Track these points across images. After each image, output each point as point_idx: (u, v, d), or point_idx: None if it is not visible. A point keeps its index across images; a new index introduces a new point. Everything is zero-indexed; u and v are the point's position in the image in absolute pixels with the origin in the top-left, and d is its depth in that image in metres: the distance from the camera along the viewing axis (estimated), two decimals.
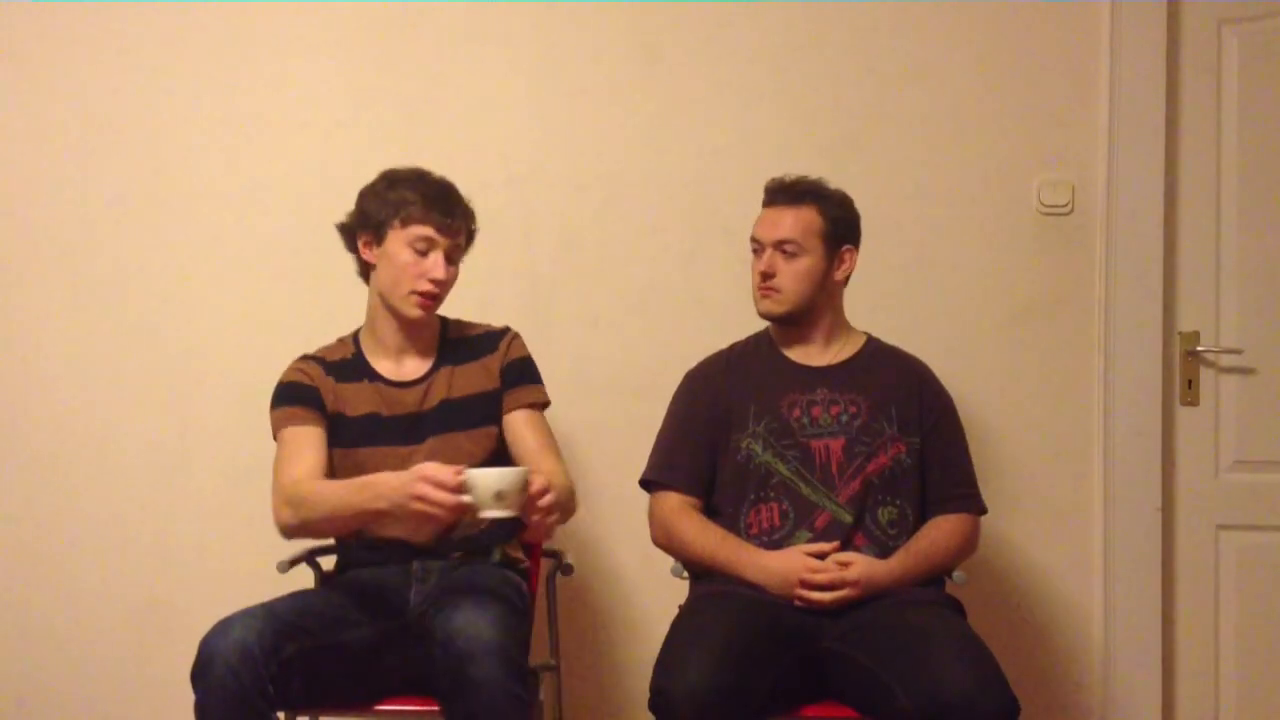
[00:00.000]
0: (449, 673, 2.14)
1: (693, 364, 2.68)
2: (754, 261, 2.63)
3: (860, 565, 2.41)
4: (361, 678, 2.24)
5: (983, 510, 2.56)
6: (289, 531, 2.38)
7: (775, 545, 2.47)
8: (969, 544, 2.54)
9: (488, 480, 2.17)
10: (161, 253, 3.02)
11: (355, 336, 2.59)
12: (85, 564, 3.00)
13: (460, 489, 2.16)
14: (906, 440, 2.53)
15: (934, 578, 2.50)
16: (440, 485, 2.16)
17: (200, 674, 2.15)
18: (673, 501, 2.57)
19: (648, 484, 2.62)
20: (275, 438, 2.48)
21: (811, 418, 2.54)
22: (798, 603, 2.39)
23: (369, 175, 2.53)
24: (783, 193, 2.62)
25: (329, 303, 2.90)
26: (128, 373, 3.01)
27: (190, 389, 3.02)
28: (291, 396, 2.49)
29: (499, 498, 2.16)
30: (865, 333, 2.67)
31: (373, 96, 3.05)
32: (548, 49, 3.08)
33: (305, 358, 2.56)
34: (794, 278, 2.57)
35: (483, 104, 3.06)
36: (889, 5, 3.10)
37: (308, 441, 2.44)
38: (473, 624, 2.15)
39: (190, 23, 3.02)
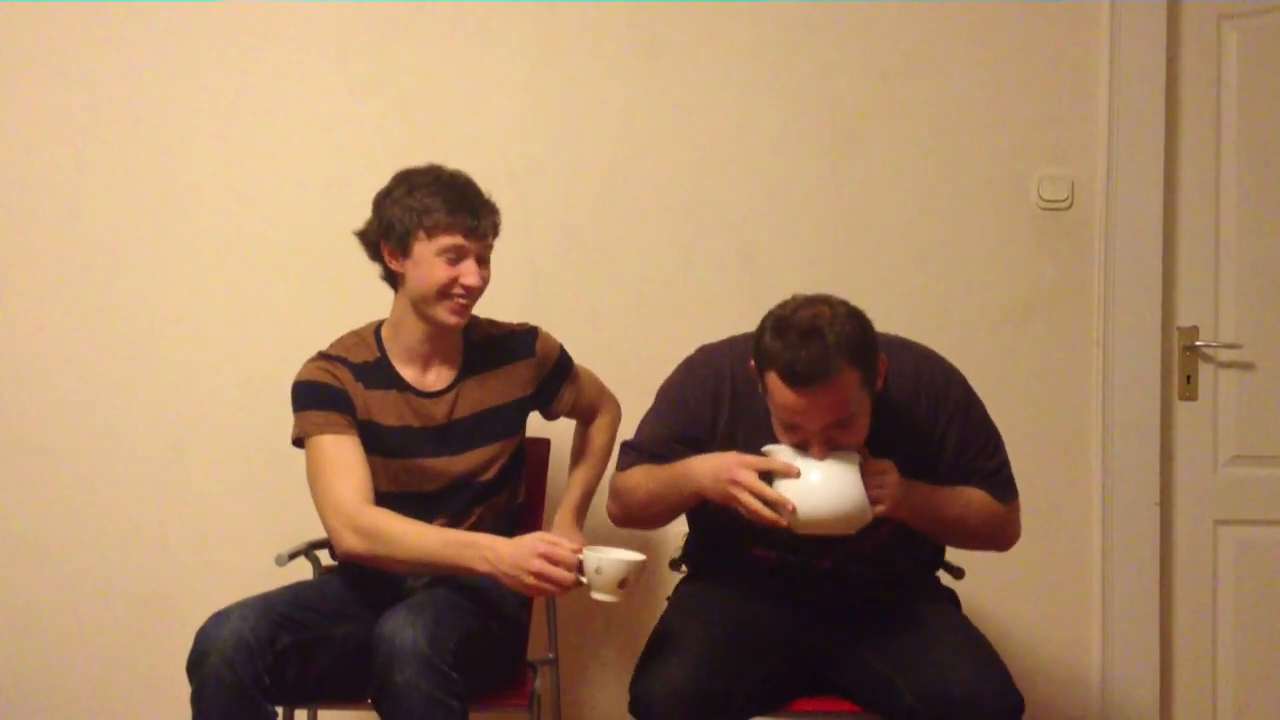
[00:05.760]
0: (376, 678, 2.15)
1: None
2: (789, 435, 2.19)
3: (897, 476, 2.18)
4: (356, 671, 2.24)
5: None
6: (352, 557, 2.32)
7: None
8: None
9: (614, 570, 2.14)
10: (160, 248, 3.02)
11: (377, 336, 2.50)
12: (85, 558, 3.00)
13: (579, 568, 2.15)
14: None
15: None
16: (560, 563, 2.14)
17: (195, 665, 2.16)
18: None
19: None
20: (303, 440, 2.40)
21: None
22: (735, 494, 2.15)
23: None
24: (809, 374, 2.09)
25: (329, 298, 2.92)
26: (126, 367, 3.01)
27: (190, 384, 3.02)
28: (324, 400, 2.40)
29: (621, 585, 2.14)
30: None
31: (372, 92, 3.05)
32: (547, 44, 3.07)
33: (328, 357, 2.47)
34: (859, 435, 2.19)
35: (482, 99, 3.06)
36: (889, 1, 3.10)
37: (353, 455, 2.36)
38: (399, 631, 2.14)
39: (188, 20, 3.01)
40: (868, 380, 2.14)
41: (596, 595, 2.15)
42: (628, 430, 2.49)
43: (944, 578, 2.55)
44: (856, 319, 2.14)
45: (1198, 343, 3.12)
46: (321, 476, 2.35)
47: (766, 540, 2.31)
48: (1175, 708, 3.12)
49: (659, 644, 2.26)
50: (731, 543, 2.37)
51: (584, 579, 2.15)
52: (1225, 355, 3.13)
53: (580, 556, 2.15)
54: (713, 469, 2.21)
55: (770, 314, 2.17)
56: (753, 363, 2.19)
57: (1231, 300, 3.12)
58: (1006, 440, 2.41)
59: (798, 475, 2.13)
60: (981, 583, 2.62)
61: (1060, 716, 3.10)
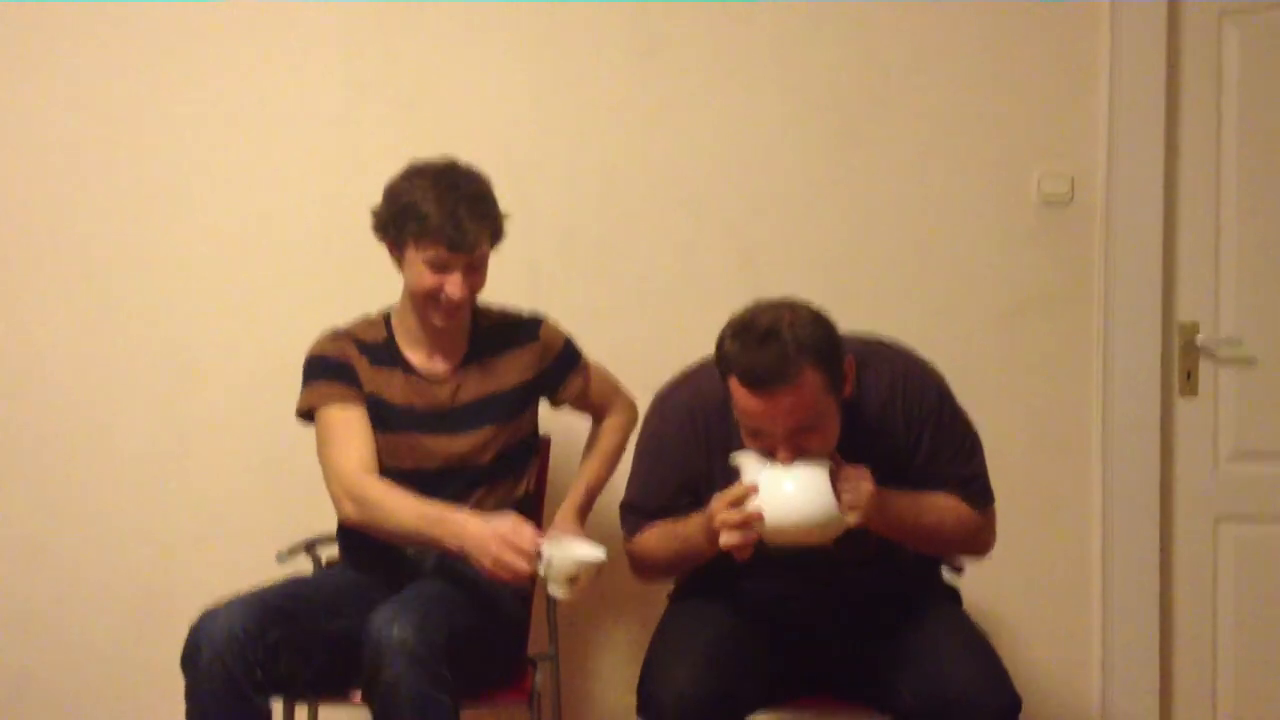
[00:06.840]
0: (365, 673, 2.16)
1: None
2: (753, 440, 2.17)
3: (872, 484, 2.12)
4: (351, 665, 2.24)
5: None
6: (351, 524, 2.39)
7: None
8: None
9: (565, 567, 2.15)
10: (161, 247, 3.02)
11: (387, 318, 2.54)
12: (84, 555, 3.01)
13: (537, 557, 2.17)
14: None
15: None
16: (520, 553, 2.17)
17: (189, 660, 2.18)
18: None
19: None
20: (309, 411, 2.44)
21: None
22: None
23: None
24: (768, 377, 2.06)
25: (331, 296, 2.91)
26: (126, 365, 3.02)
27: (189, 381, 3.02)
28: (330, 372, 2.45)
29: (571, 581, 2.15)
30: None
31: (372, 89, 3.05)
32: (548, 41, 3.08)
33: (337, 333, 2.51)
34: (828, 440, 2.16)
35: (483, 95, 3.06)
36: (889, 0, 3.09)
37: (357, 426, 2.41)
38: (388, 626, 2.15)
39: (188, 17, 3.01)
40: (832, 383, 2.11)
41: (550, 589, 2.16)
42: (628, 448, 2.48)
43: (945, 574, 2.54)
44: (819, 321, 2.11)
45: (1198, 338, 3.12)
46: (326, 446, 2.40)
47: (764, 571, 2.26)
48: (1175, 706, 3.12)
49: (662, 646, 2.25)
50: (727, 573, 2.31)
51: (540, 569, 2.16)
52: (1226, 351, 3.12)
53: (539, 547, 2.16)
54: (705, 525, 2.17)
55: (732, 319, 2.14)
56: (718, 370, 2.16)
57: (1232, 296, 3.12)
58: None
59: (756, 491, 2.09)
60: (981, 580, 2.62)
61: (1061, 714, 3.10)
